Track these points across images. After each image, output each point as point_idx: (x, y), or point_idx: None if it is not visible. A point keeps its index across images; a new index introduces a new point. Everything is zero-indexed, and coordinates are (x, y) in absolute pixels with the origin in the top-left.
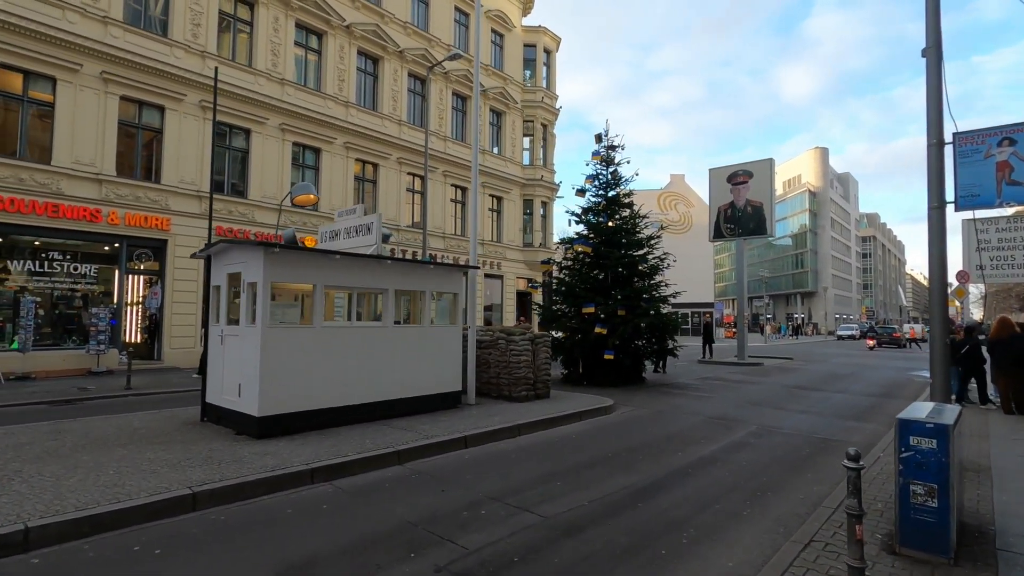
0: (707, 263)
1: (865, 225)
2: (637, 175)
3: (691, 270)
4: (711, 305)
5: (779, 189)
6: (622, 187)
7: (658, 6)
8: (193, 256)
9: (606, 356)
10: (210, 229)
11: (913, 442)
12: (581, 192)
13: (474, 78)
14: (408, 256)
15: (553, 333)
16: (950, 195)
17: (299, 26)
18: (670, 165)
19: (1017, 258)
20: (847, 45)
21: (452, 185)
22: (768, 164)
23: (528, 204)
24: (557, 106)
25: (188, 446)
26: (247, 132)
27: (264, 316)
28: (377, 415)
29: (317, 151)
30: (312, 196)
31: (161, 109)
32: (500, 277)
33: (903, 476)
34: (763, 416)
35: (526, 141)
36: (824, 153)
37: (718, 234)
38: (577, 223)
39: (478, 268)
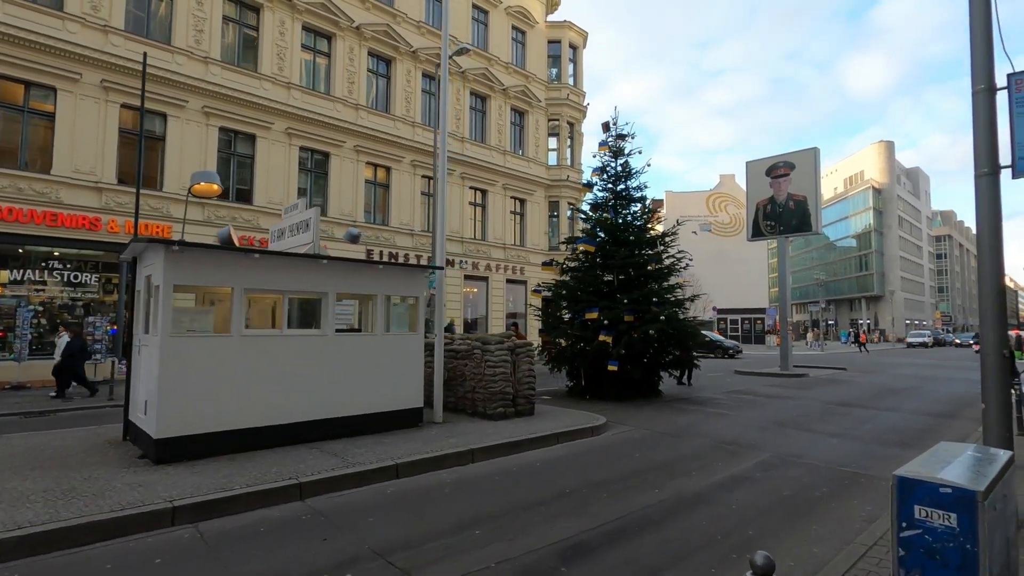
0: (761, 266)
1: (939, 223)
2: (649, 166)
3: (743, 274)
4: (763, 311)
5: (840, 186)
6: (633, 180)
7: (716, 4)
8: (120, 259)
9: (610, 367)
10: (183, 230)
11: (920, 515)
12: (588, 186)
13: (442, 52)
14: (420, 262)
15: (559, 341)
16: (1005, 157)
17: (306, 29)
18: (727, 166)
19: None
20: (923, 30)
21: (471, 188)
22: (812, 154)
23: (554, 206)
24: (584, 103)
25: (71, 472)
26: (252, 137)
27: (165, 323)
28: (315, 435)
29: (326, 155)
30: (215, 186)
31: (163, 116)
32: (524, 283)
33: (904, 567)
34: (785, 441)
35: (553, 141)
36: (889, 147)
37: (757, 232)
38: (584, 220)
39: (443, 268)
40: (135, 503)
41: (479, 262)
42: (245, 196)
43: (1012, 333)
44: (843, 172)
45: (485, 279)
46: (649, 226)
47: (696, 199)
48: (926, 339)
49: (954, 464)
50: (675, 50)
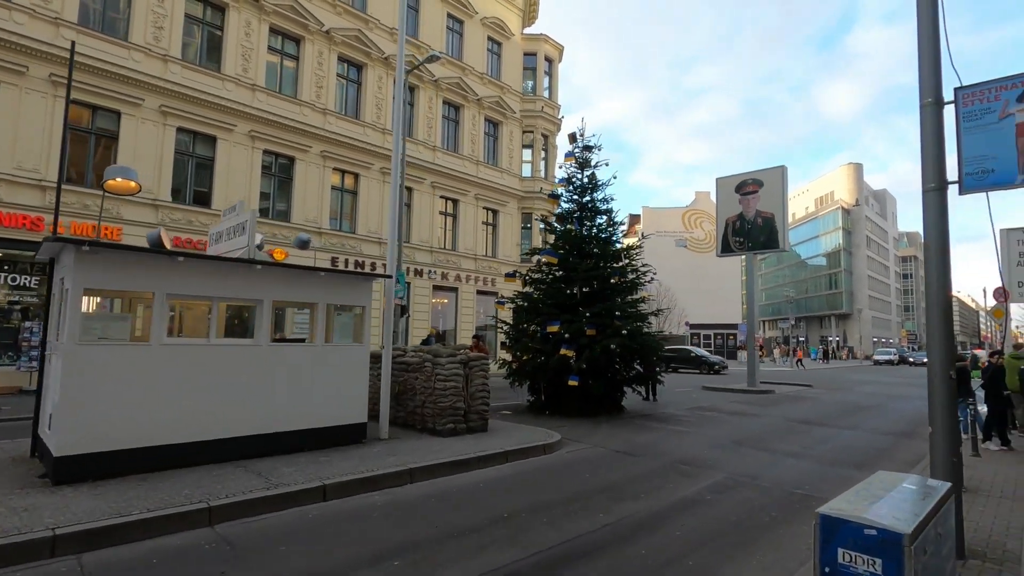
0: (734, 282)
1: (906, 244)
2: (615, 178)
3: (717, 290)
4: (736, 327)
5: (811, 206)
6: (599, 192)
7: (696, 26)
8: (35, 259)
9: (570, 382)
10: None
11: (844, 559)
12: (555, 197)
13: (398, 50)
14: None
15: (520, 355)
16: (952, 172)
17: (274, 31)
18: (704, 183)
19: None
20: (892, 60)
21: (442, 197)
22: (780, 172)
23: (527, 218)
24: (560, 116)
25: None
26: (212, 139)
27: (73, 329)
28: (247, 453)
29: (291, 159)
30: (132, 183)
31: (117, 114)
32: (495, 294)
33: None
34: (742, 460)
35: (527, 153)
36: (858, 169)
37: (726, 248)
38: (549, 232)
39: (390, 277)
40: (11, 531)
41: (449, 272)
42: (204, 199)
43: (976, 352)
44: (814, 192)
45: (455, 290)
46: (617, 240)
47: (672, 215)
48: (892, 356)
49: (886, 500)
50: (656, 70)
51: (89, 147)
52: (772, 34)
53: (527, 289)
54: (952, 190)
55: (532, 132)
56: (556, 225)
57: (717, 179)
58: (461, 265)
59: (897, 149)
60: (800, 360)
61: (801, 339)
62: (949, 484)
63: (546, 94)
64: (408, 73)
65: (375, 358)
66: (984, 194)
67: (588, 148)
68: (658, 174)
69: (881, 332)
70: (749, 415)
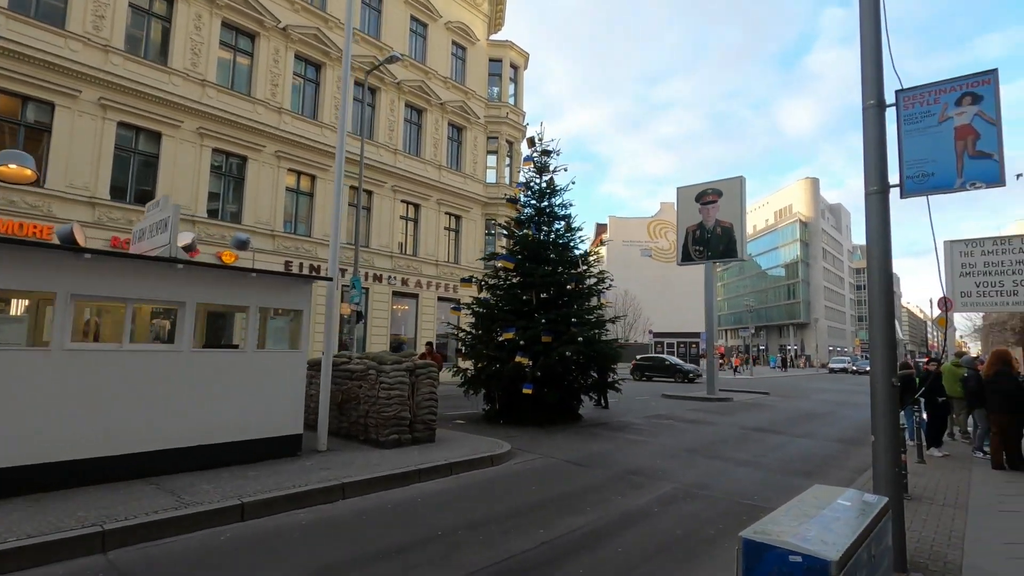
0: (698, 291)
1: (859, 256)
2: (574, 183)
3: (681, 298)
4: (699, 335)
5: (771, 218)
6: (557, 197)
7: (663, 42)
8: None
9: (524, 390)
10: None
11: None
12: (513, 202)
13: (345, 45)
14: (345, 275)
15: (472, 362)
16: (894, 176)
17: (227, 25)
18: (670, 194)
19: (1006, 284)
20: (848, 80)
21: (403, 201)
22: (738, 182)
23: (491, 224)
24: (525, 123)
25: None
26: (157, 135)
27: None
28: (165, 468)
29: (243, 159)
30: (27, 171)
31: (51, 105)
32: (457, 301)
33: None
34: (693, 469)
35: (492, 159)
36: (815, 183)
37: (686, 257)
38: (507, 236)
39: (330, 279)
40: None
41: (409, 278)
42: (147, 198)
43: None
44: (773, 205)
45: (415, 296)
46: (575, 245)
47: (638, 225)
48: (847, 364)
49: (816, 520)
50: (625, 83)
51: (18, 140)
52: (736, 51)
53: (483, 295)
54: (894, 194)
55: (497, 138)
56: (514, 230)
57: (678, 188)
58: (422, 271)
59: (853, 165)
60: (736, 367)
61: (761, 348)
62: (886, 499)
63: (511, 101)
64: (368, 74)
65: (319, 365)
66: (925, 198)
67: (547, 153)
68: (626, 185)
69: (836, 341)
70: (705, 423)
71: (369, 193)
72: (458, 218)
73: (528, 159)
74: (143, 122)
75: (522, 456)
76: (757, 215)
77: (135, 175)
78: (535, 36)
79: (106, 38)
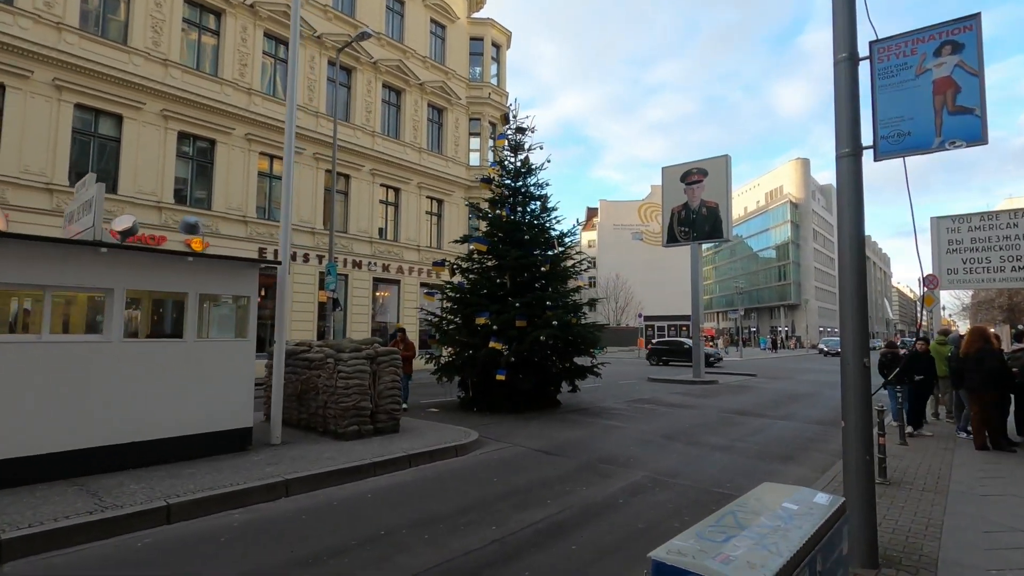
0: (688, 275)
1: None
2: (549, 162)
3: (672, 282)
4: (689, 318)
5: (762, 200)
6: (533, 176)
7: (656, 24)
8: None
9: (498, 376)
10: None
11: None
12: (487, 182)
13: (292, 13)
14: (322, 263)
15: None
16: (868, 136)
17: (190, 2)
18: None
19: (993, 261)
20: None
21: (382, 185)
22: (724, 161)
23: (475, 208)
24: (508, 104)
25: None
26: (119, 118)
27: None
28: (90, 468)
29: (212, 142)
30: None
31: (1, 87)
32: (440, 286)
33: None
34: (668, 456)
35: (475, 141)
36: (805, 164)
37: (672, 238)
38: (480, 217)
39: (279, 263)
40: None
41: (390, 264)
42: (109, 184)
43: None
44: (764, 187)
45: (397, 282)
46: (551, 226)
47: (629, 208)
48: (837, 347)
49: (748, 532)
50: (617, 67)
51: None
52: (728, 34)
53: (457, 279)
54: (868, 156)
55: (479, 120)
56: (488, 210)
57: (663, 168)
58: (404, 256)
59: None
60: (640, 348)
61: (753, 329)
62: (841, 500)
63: (494, 81)
64: (340, 52)
65: (289, 355)
66: (902, 161)
67: (521, 130)
68: (618, 169)
69: (827, 322)
70: (687, 407)
71: (346, 177)
72: (440, 202)
73: (502, 137)
74: (102, 104)
75: (490, 445)
76: (748, 197)
77: (95, 159)
78: (525, 19)
79: (59, 15)
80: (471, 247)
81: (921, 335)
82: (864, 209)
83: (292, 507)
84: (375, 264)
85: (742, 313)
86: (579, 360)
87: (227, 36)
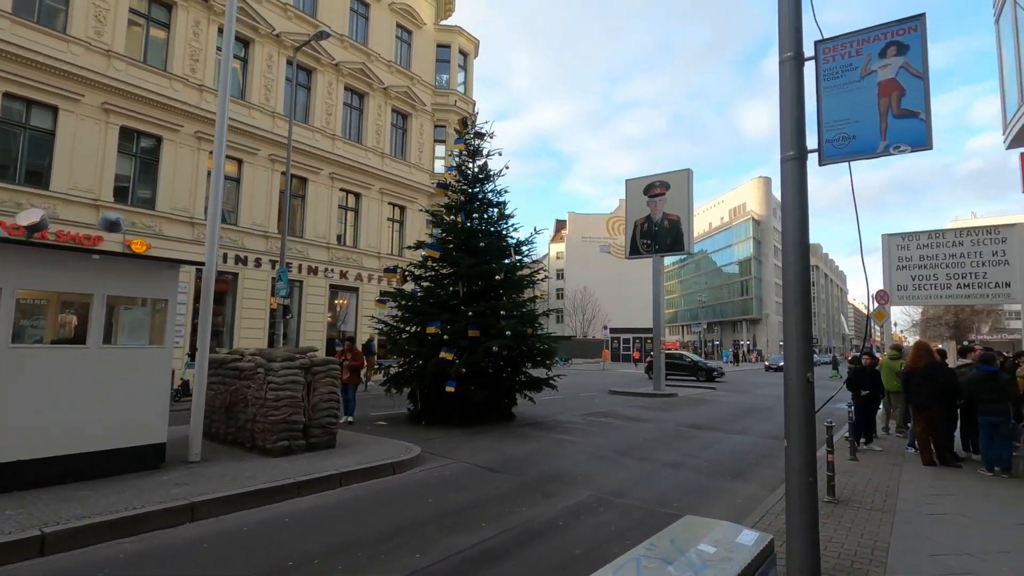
0: (661, 289)
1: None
2: (508, 168)
3: (638, 295)
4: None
5: (726, 217)
6: (491, 183)
7: (631, 41)
8: None
9: (447, 388)
10: None
11: None
12: (442, 187)
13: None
14: (276, 267)
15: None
16: (813, 140)
17: None
18: None
19: (940, 278)
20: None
21: (342, 190)
22: (685, 174)
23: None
24: (474, 111)
25: None
26: (53, 109)
27: None
28: None
29: (158, 139)
30: None
31: None
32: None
33: None
34: (617, 473)
35: (440, 149)
36: (767, 182)
37: (634, 250)
38: (435, 224)
39: (202, 264)
40: None
41: (349, 271)
42: (39, 178)
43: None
44: (728, 203)
45: (355, 290)
46: (508, 234)
47: (597, 221)
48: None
49: None
50: (591, 81)
51: None
52: (700, 53)
53: (409, 286)
54: (812, 160)
55: (445, 127)
56: (445, 216)
57: (627, 180)
58: (363, 263)
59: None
60: (637, 361)
61: (716, 343)
62: (768, 539)
63: (461, 89)
64: (297, 51)
65: (219, 363)
66: (847, 164)
67: (480, 135)
68: (590, 183)
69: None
70: (643, 420)
71: (304, 180)
72: (403, 209)
73: (459, 141)
74: (34, 94)
75: (433, 461)
76: (712, 213)
77: (26, 153)
78: (502, 30)
79: None
80: (423, 253)
81: (864, 350)
82: (808, 214)
83: (194, 534)
84: (332, 271)
85: (704, 327)
86: (536, 372)
87: (178, 30)
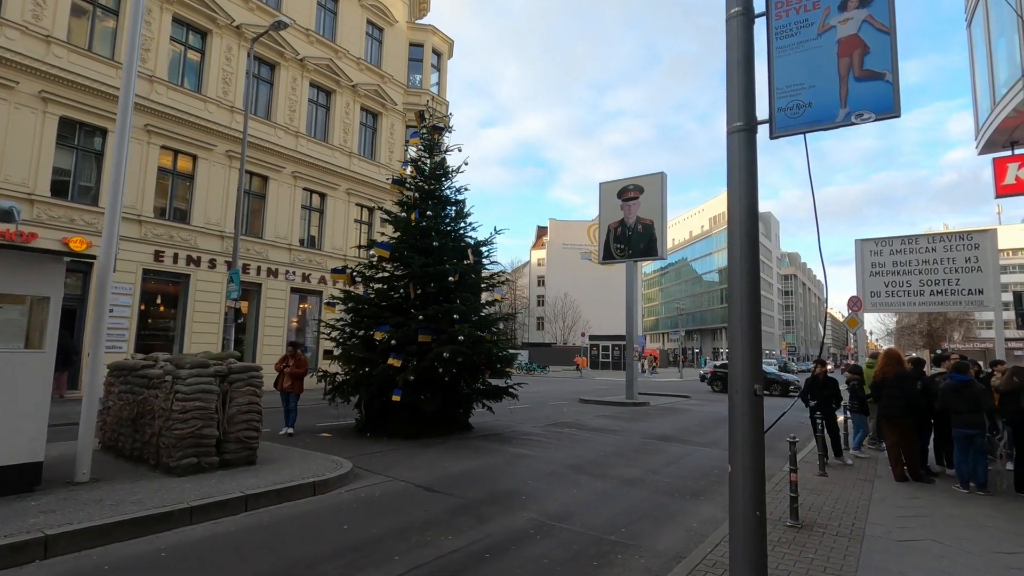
0: (635, 295)
1: (787, 264)
2: (467, 164)
3: (619, 302)
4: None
5: (706, 225)
6: (449, 180)
7: (619, 51)
8: None
9: (394, 397)
10: None
11: None
12: (398, 184)
13: None
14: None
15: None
16: (763, 110)
17: None
18: None
19: (913, 284)
20: None
21: (305, 189)
22: (659, 178)
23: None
24: (448, 113)
25: None
26: None
27: None
28: None
29: (102, 131)
30: None
31: None
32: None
33: None
34: (568, 492)
35: (412, 150)
36: None
37: (608, 255)
38: (387, 221)
39: (93, 258)
40: None
41: (312, 274)
42: None
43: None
44: (708, 212)
45: (319, 293)
46: (467, 234)
47: (578, 228)
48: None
49: None
50: (579, 90)
51: None
52: (686, 65)
53: (356, 288)
54: (763, 133)
55: (417, 128)
56: (399, 214)
57: (601, 184)
58: (328, 266)
59: (787, 178)
60: (579, 367)
61: (696, 350)
62: None
63: (435, 89)
64: (254, 42)
65: (128, 370)
66: (801, 136)
67: (438, 129)
68: (575, 191)
69: (765, 344)
70: (609, 431)
71: (264, 178)
72: (371, 210)
73: (415, 135)
74: None
75: (365, 480)
76: (693, 221)
77: None
78: (488, 40)
79: None
80: (371, 253)
81: (821, 359)
82: (758, 194)
83: (44, 574)
84: (294, 273)
85: (683, 334)
86: (498, 380)
87: (126, 18)
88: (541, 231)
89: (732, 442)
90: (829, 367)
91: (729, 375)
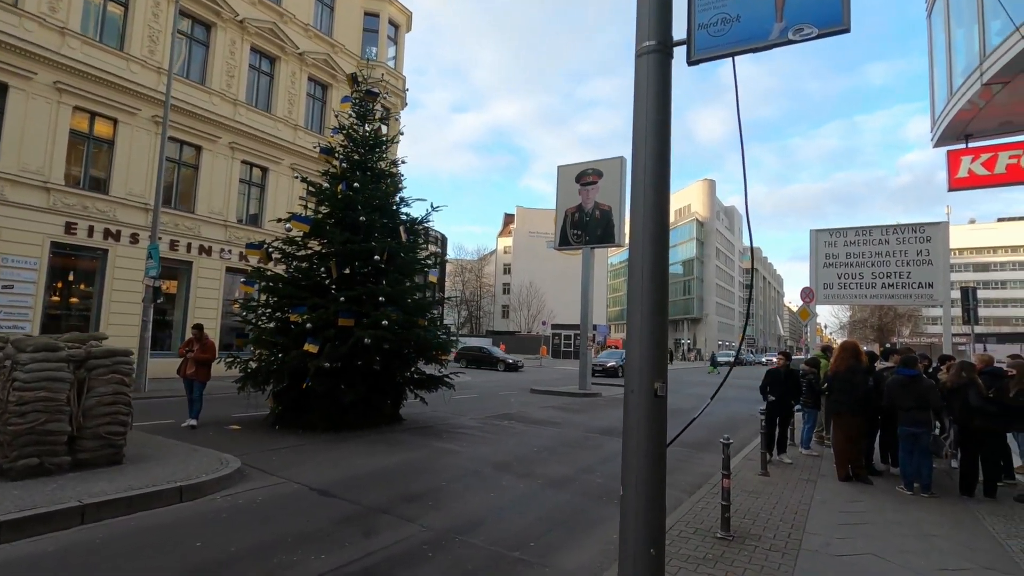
0: (600, 285)
1: (747, 258)
2: (402, 135)
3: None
4: (595, 328)
5: (672, 218)
6: (381, 150)
7: (597, 42)
8: None
9: (304, 385)
10: None
11: None
12: (327, 153)
13: None
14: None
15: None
16: (680, 29)
17: None
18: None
19: (865, 276)
20: (751, 96)
21: (244, 162)
22: (619, 162)
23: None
24: (405, 88)
25: None
26: None
27: None
28: None
29: (2, 86)
30: None
31: None
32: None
33: None
34: (484, 495)
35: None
36: (711, 185)
37: (564, 241)
38: (311, 193)
39: None
40: None
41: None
42: None
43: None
44: (674, 205)
45: None
46: (400, 210)
47: (545, 216)
48: (732, 359)
49: None
50: (554, 79)
51: None
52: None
53: (271, 266)
54: (680, 55)
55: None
56: (324, 185)
57: (559, 167)
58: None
59: (753, 174)
60: (540, 356)
61: None
62: None
63: (391, 64)
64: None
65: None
66: (729, 61)
67: (372, 95)
68: (546, 180)
69: (726, 336)
70: (551, 424)
71: (198, 148)
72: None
73: (347, 100)
74: None
75: (253, 481)
76: None
77: None
78: (471, 24)
79: None
80: (288, 227)
81: (783, 351)
82: (671, 135)
83: None
84: (230, 252)
85: None
86: (431, 369)
87: None
88: (508, 219)
89: (625, 455)
90: (775, 360)
91: (626, 369)
